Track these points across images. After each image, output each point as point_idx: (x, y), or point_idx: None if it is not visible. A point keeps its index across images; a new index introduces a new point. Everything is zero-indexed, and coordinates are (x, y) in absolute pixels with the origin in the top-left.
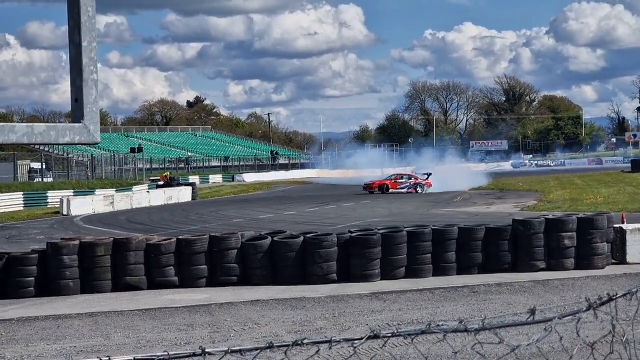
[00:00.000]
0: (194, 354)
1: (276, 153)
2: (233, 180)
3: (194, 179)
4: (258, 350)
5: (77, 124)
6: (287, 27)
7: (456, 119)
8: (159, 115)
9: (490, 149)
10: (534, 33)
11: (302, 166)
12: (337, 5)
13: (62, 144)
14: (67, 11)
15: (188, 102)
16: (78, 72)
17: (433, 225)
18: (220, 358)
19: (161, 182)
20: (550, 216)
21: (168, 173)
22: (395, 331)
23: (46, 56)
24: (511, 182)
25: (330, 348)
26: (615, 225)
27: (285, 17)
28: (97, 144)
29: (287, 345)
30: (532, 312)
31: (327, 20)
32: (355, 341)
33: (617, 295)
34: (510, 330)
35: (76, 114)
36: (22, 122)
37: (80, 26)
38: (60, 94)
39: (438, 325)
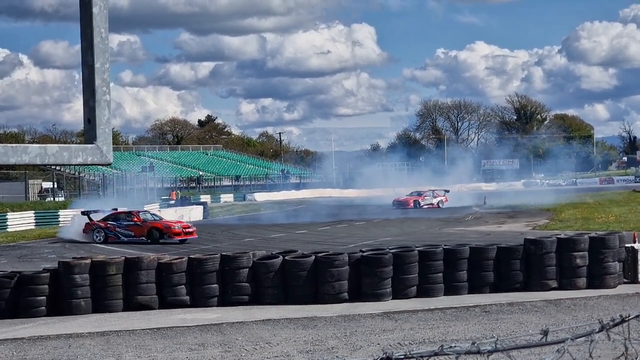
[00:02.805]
0: None
1: (287, 172)
2: (244, 200)
3: (206, 198)
4: None
5: (89, 145)
6: (300, 46)
7: (467, 138)
8: (171, 135)
9: (502, 168)
10: (546, 52)
11: (314, 185)
12: (349, 24)
13: (74, 165)
14: (80, 32)
15: (199, 121)
16: (91, 93)
17: (445, 245)
18: None
19: (173, 201)
20: (562, 235)
21: (178, 191)
22: (408, 353)
23: (59, 75)
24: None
25: None
26: (627, 245)
27: (299, 36)
28: (109, 164)
29: None
30: (545, 333)
31: (340, 39)
32: None
33: (630, 317)
34: (523, 351)
35: (89, 135)
36: (33, 141)
37: (93, 48)
38: (73, 113)
39: (451, 347)
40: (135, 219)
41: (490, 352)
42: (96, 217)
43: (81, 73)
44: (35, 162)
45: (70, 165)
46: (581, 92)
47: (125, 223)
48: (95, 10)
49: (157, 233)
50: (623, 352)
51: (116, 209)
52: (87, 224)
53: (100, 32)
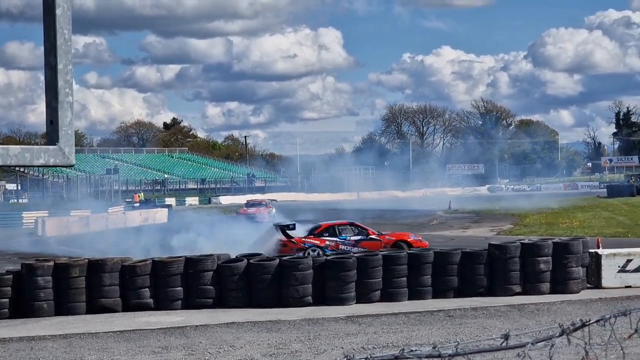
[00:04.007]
0: None
1: (253, 175)
2: (210, 203)
3: (171, 201)
4: None
5: (52, 147)
6: (266, 50)
7: (432, 142)
8: (136, 137)
9: (467, 173)
10: (512, 57)
11: (280, 189)
12: (316, 28)
13: (36, 166)
14: (44, 33)
15: (165, 124)
16: (53, 94)
17: (408, 249)
18: None
19: (137, 204)
20: (526, 241)
21: (142, 193)
22: (369, 356)
23: (24, 77)
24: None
25: None
26: (590, 250)
27: (265, 40)
28: (72, 166)
29: None
30: (506, 337)
31: (306, 43)
32: None
33: (591, 322)
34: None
35: (51, 136)
36: None
37: (57, 49)
38: (38, 115)
39: (412, 350)
40: (370, 233)
41: (451, 356)
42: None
43: (44, 74)
44: None
45: (32, 166)
46: (546, 97)
47: (353, 238)
48: (58, 11)
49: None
50: (583, 356)
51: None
52: (284, 242)
53: (63, 33)
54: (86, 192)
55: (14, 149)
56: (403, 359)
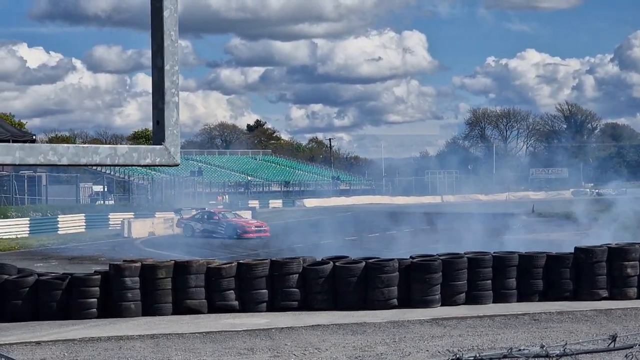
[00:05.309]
0: None
1: (337, 178)
2: (294, 205)
3: (254, 203)
4: None
5: (158, 146)
6: (350, 53)
7: (516, 146)
8: (220, 139)
9: (551, 177)
10: (597, 60)
11: (364, 192)
12: (400, 31)
13: (143, 166)
14: (151, 35)
15: (248, 125)
16: (160, 95)
17: (494, 252)
18: None
19: (220, 205)
20: (613, 244)
21: (225, 195)
22: (478, 355)
23: (111, 80)
24: None
25: None
26: None
27: (349, 43)
28: (177, 165)
29: None
30: (614, 338)
31: (390, 46)
32: None
33: None
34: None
35: (157, 136)
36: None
37: (163, 50)
38: (124, 117)
39: (520, 350)
40: None
41: (559, 356)
42: None
43: (151, 75)
44: (105, 162)
45: (139, 166)
46: (633, 100)
47: None
48: (166, 13)
49: None
50: None
51: None
52: None
53: (170, 34)
54: (170, 194)
55: (122, 148)
56: (511, 358)
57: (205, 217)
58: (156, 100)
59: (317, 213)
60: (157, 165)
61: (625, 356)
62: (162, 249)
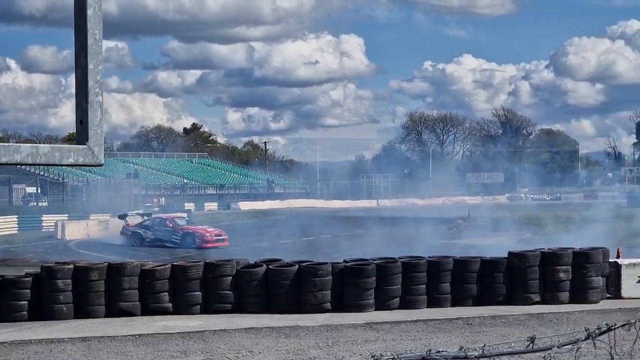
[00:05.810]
0: None
1: (272, 181)
2: (229, 208)
3: (190, 206)
4: None
5: (81, 146)
6: (288, 56)
7: (452, 151)
8: (156, 142)
9: (487, 182)
10: (533, 66)
11: (299, 195)
12: (338, 35)
13: (65, 165)
14: (74, 34)
15: (185, 129)
16: (84, 94)
17: (428, 257)
18: None
19: (156, 208)
20: (546, 249)
21: (161, 198)
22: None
23: (46, 80)
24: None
25: None
26: (610, 260)
27: (287, 46)
28: (100, 165)
29: None
30: (532, 340)
31: (328, 50)
32: None
33: (616, 326)
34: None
35: (81, 136)
36: None
37: (87, 49)
38: (59, 118)
39: (439, 351)
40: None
41: (478, 358)
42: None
43: (74, 74)
44: (26, 161)
45: (61, 165)
46: (568, 107)
47: None
48: (89, 12)
49: None
50: None
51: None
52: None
53: (94, 34)
54: (106, 196)
55: (44, 147)
56: None
57: (156, 224)
58: (80, 99)
59: (253, 216)
60: (80, 165)
61: (544, 358)
62: (96, 251)
